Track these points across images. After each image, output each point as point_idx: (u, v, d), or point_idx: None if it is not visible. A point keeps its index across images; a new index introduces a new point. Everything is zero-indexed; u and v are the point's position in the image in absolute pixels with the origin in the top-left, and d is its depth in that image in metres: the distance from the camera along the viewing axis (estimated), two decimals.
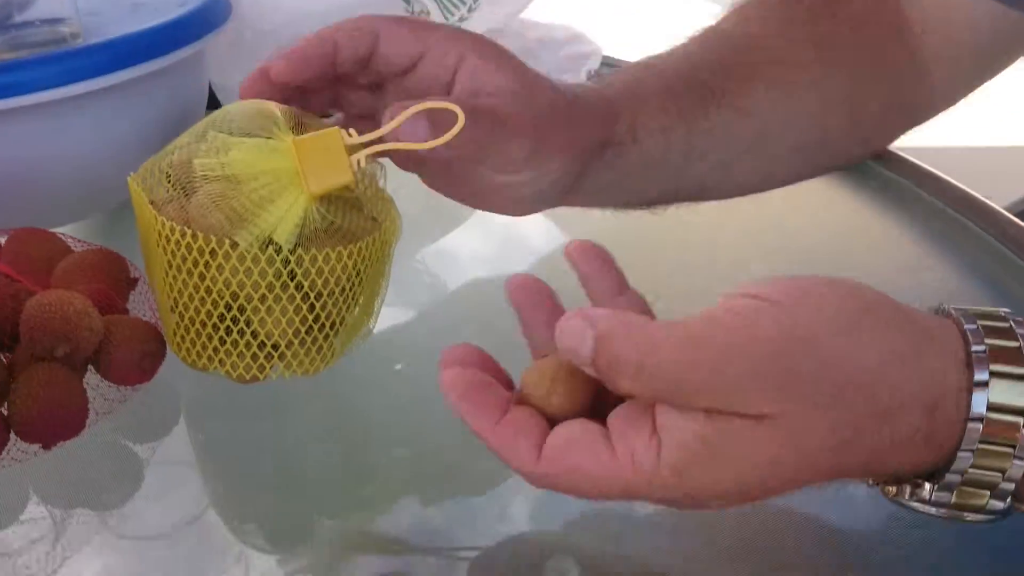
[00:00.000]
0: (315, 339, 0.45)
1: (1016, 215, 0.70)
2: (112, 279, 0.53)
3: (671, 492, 0.34)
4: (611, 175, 0.52)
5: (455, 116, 0.41)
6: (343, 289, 0.44)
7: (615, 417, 0.35)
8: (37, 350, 0.46)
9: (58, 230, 0.58)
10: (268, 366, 0.45)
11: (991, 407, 0.34)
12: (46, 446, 0.47)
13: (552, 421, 0.36)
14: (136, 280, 0.54)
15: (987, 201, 0.67)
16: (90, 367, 0.49)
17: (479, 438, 0.37)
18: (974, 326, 0.35)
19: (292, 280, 0.43)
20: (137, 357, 0.48)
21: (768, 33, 0.57)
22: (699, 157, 0.54)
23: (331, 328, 0.45)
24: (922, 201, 0.69)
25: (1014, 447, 0.34)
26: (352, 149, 0.42)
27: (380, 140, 0.42)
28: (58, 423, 0.46)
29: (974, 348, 0.34)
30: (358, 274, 0.44)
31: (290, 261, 0.43)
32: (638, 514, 0.46)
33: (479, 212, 0.72)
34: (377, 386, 0.56)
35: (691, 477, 0.34)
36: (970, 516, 0.36)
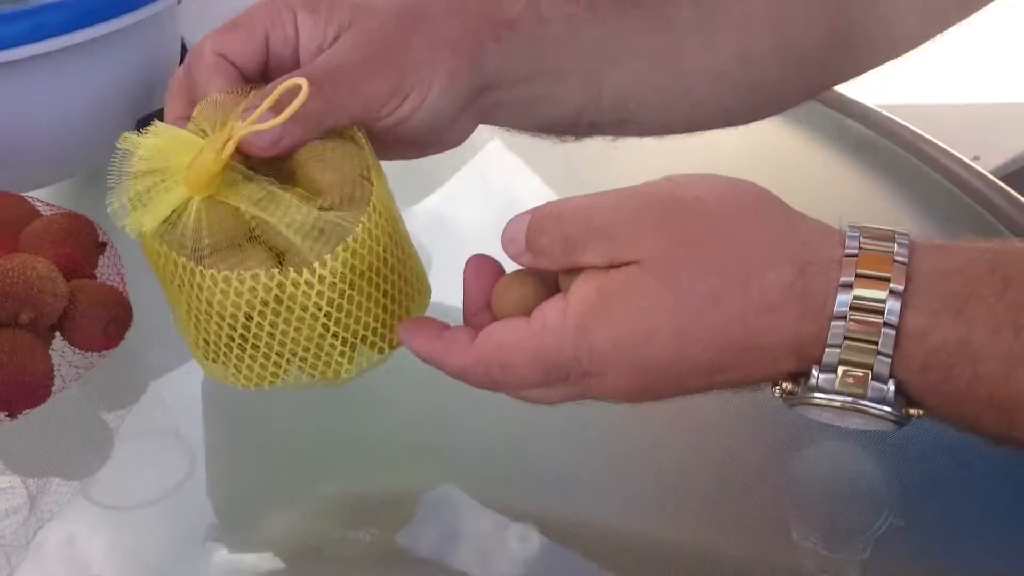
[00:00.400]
0: (243, 356, 0.42)
1: (1006, 177, 0.70)
2: (80, 244, 0.52)
3: (577, 350, 0.37)
4: (522, 69, 0.49)
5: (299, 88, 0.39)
6: (263, 312, 0.40)
7: (539, 305, 0.39)
8: (1, 316, 0.45)
9: (31, 192, 0.57)
10: (207, 367, 0.44)
11: (859, 276, 0.36)
12: (12, 414, 0.46)
13: None
14: (105, 245, 0.53)
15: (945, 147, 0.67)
16: (57, 334, 0.48)
17: (424, 359, 0.41)
18: (855, 233, 0.37)
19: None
20: (103, 323, 0.48)
21: None
22: (615, 63, 0.51)
23: (264, 349, 0.41)
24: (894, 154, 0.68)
25: (883, 313, 0.35)
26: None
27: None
28: (23, 390, 0.45)
29: (849, 228, 0.37)
30: (282, 302, 0.39)
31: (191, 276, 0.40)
32: (596, 487, 0.47)
33: (461, 177, 0.71)
34: None
35: (591, 331, 0.37)
36: (870, 409, 0.37)
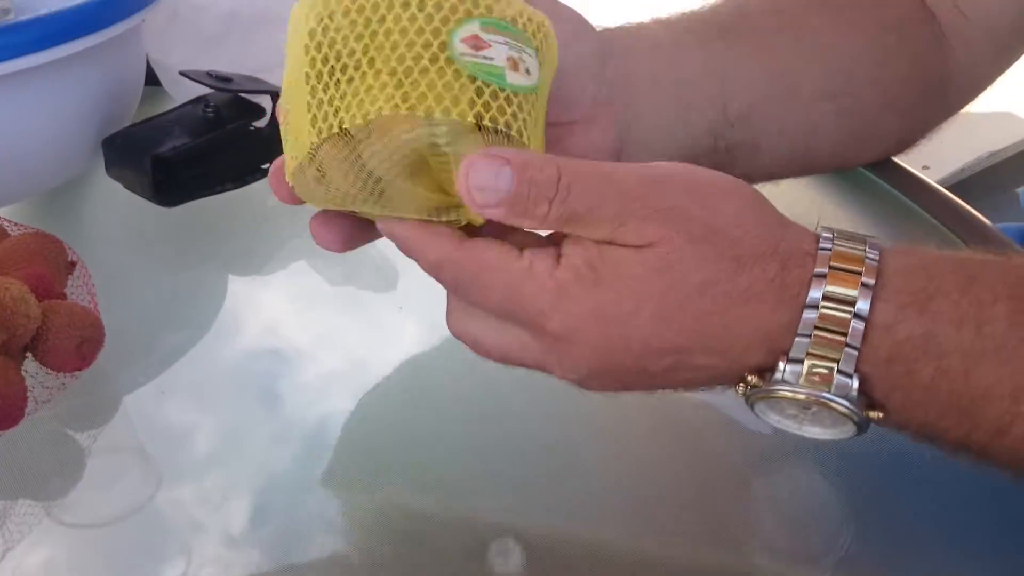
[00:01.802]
0: None
1: (953, 187, 0.72)
2: (50, 263, 0.52)
3: (552, 307, 0.37)
4: (647, 70, 0.51)
5: None
6: None
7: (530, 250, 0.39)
8: None
9: None
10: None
11: (833, 266, 0.37)
12: None
13: None
14: (74, 264, 0.53)
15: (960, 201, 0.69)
16: (28, 354, 0.48)
17: (406, 243, 0.39)
18: (829, 233, 0.39)
19: None
20: (75, 343, 0.48)
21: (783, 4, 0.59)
22: (734, 77, 0.54)
23: None
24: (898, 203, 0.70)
25: (853, 304, 0.37)
26: None
27: None
28: None
29: (823, 229, 0.39)
30: None
31: None
32: (577, 500, 0.47)
33: None
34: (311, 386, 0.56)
35: (573, 296, 0.37)
36: (832, 403, 0.37)
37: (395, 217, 0.39)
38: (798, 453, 0.49)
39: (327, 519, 0.48)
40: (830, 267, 0.37)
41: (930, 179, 0.72)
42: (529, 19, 0.40)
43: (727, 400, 0.50)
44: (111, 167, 0.62)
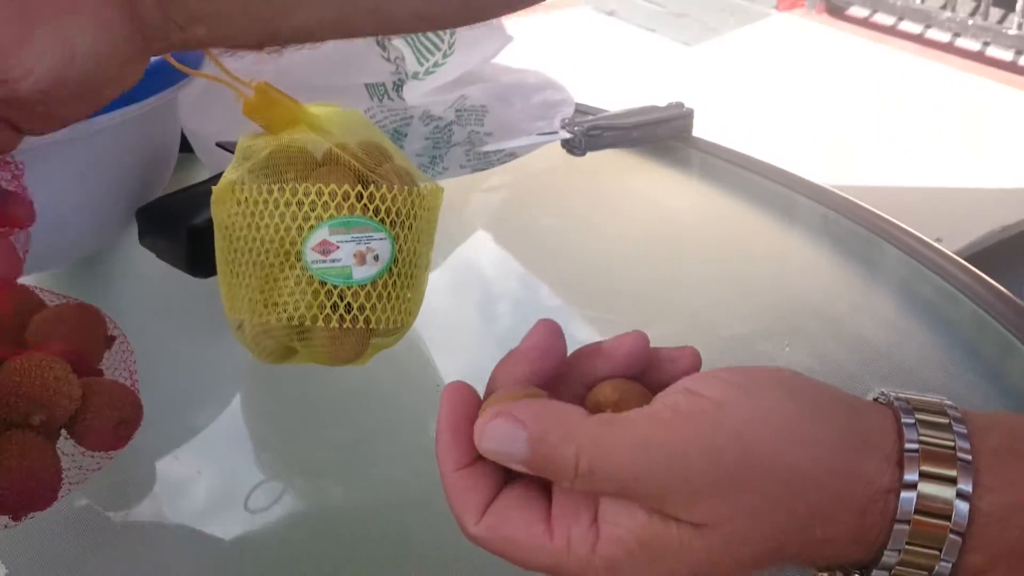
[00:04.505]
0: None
1: (969, 258, 0.73)
2: (89, 337, 0.51)
3: None
4: (190, 13, 0.44)
5: None
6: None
7: (560, 494, 0.35)
8: (12, 417, 0.45)
9: (29, 279, 0.57)
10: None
11: (918, 509, 0.33)
12: (16, 517, 0.45)
13: None
14: (113, 339, 0.52)
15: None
16: (63, 433, 0.48)
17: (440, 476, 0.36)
18: (911, 420, 0.35)
19: None
20: (113, 424, 0.47)
21: None
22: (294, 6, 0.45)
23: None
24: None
25: (940, 549, 0.34)
26: None
27: None
28: (31, 494, 0.44)
29: (907, 445, 0.34)
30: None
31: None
32: None
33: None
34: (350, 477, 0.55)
35: (623, 574, 0.34)
36: None
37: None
38: None
39: None
40: (915, 508, 0.33)
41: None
42: (393, 199, 0.47)
43: None
44: (144, 236, 0.62)
